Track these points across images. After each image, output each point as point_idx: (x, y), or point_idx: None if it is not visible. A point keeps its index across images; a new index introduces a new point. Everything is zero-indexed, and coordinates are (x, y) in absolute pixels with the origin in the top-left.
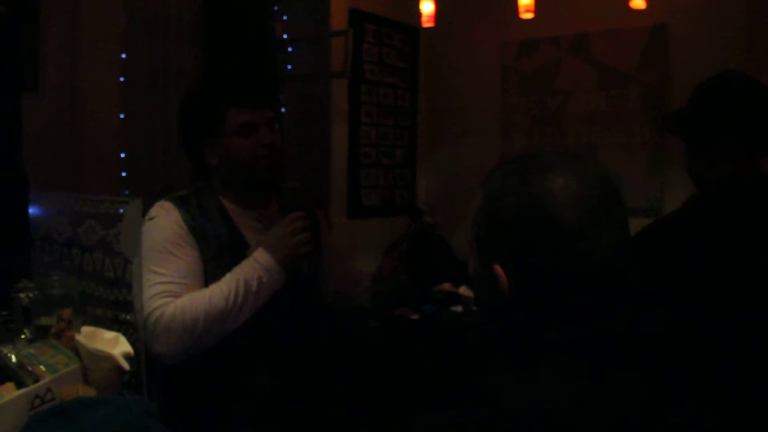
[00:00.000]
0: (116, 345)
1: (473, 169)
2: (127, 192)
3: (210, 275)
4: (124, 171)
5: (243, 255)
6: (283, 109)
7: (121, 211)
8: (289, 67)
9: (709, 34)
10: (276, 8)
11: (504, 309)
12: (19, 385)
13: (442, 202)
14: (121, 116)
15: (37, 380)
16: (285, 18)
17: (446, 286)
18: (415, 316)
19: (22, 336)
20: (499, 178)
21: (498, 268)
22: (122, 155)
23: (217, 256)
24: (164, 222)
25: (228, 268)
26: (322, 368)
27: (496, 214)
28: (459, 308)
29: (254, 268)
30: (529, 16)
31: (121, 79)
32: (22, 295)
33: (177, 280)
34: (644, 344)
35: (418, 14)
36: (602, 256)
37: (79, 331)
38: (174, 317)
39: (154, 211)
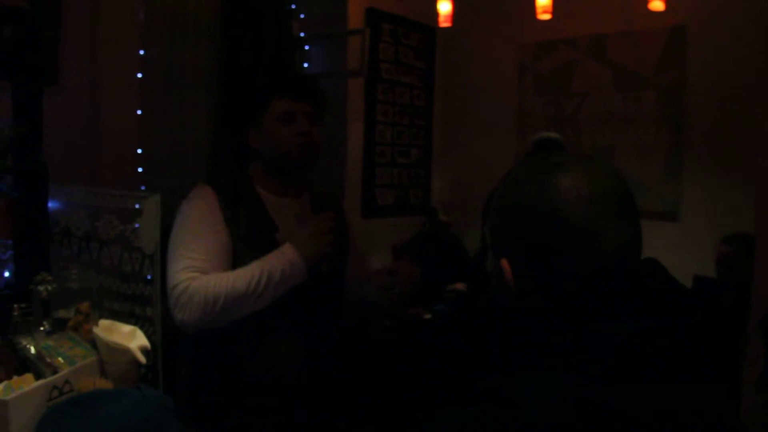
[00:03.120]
0: (133, 338)
1: (488, 170)
2: (143, 187)
3: (238, 256)
4: (140, 167)
5: (272, 238)
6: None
7: (138, 207)
8: (306, 65)
9: (728, 37)
10: (293, 6)
11: (511, 304)
12: (38, 376)
13: (456, 202)
14: (138, 112)
15: (55, 372)
16: (302, 16)
17: (459, 285)
18: (427, 316)
19: (41, 328)
20: (514, 175)
21: (504, 263)
22: (139, 151)
23: (246, 239)
24: (202, 203)
25: (255, 252)
26: (337, 352)
27: (506, 209)
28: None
29: (279, 260)
30: (546, 17)
31: (139, 75)
32: (41, 288)
33: (206, 257)
34: (644, 347)
35: (435, 14)
36: (609, 257)
37: (96, 324)
38: (198, 291)
39: (194, 192)
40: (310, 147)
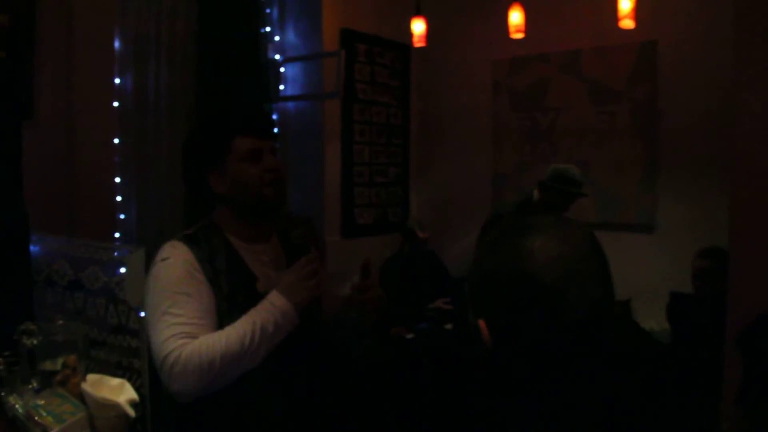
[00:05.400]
0: (122, 392)
1: (466, 185)
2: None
3: (224, 313)
4: (120, 197)
5: (253, 290)
6: (276, 129)
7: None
8: (282, 87)
9: (697, 51)
10: (268, 29)
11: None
12: None
13: (435, 219)
14: (116, 141)
15: (45, 431)
16: (277, 39)
17: (440, 303)
18: (410, 335)
19: (29, 386)
20: (491, 237)
21: (482, 323)
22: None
23: (229, 294)
24: (178, 262)
25: (240, 306)
26: (329, 391)
27: (483, 269)
28: (449, 326)
29: (270, 312)
30: (519, 36)
31: (116, 104)
32: (26, 341)
33: (193, 321)
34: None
35: (409, 33)
36: (579, 317)
37: (84, 378)
38: (191, 358)
39: (166, 251)
40: (281, 184)
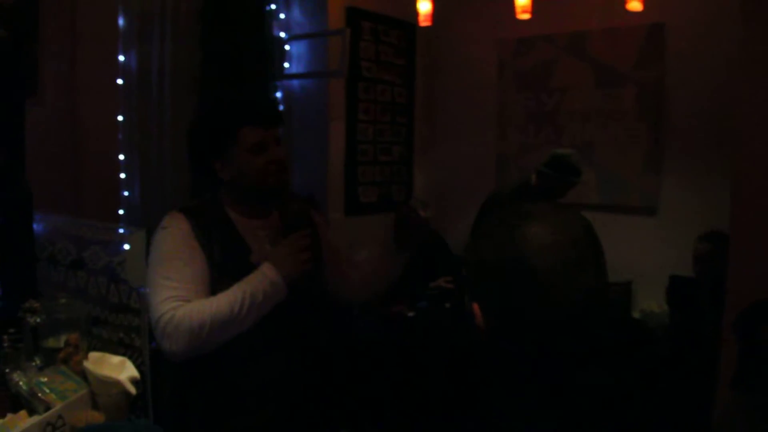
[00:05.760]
0: (123, 370)
1: (470, 165)
2: (127, 199)
3: (216, 281)
4: (123, 173)
5: (246, 262)
6: (280, 107)
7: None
8: (287, 65)
9: (705, 34)
10: (273, 7)
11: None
12: (31, 412)
13: (438, 197)
14: (120, 119)
15: (48, 408)
16: (282, 17)
17: (441, 281)
18: (410, 314)
19: (33, 363)
20: (488, 223)
21: (475, 307)
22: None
23: (221, 263)
24: (176, 231)
25: (232, 275)
26: (324, 361)
27: (478, 256)
28: (449, 305)
29: (260, 281)
30: (526, 16)
31: (120, 81)
32: (30, 320)
33: (186, 285)
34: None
35: (415, 12)
36: (571, 306)
37: (86, 355)
38: (182, 320)
39: (166, 221)
40: (284, 172)
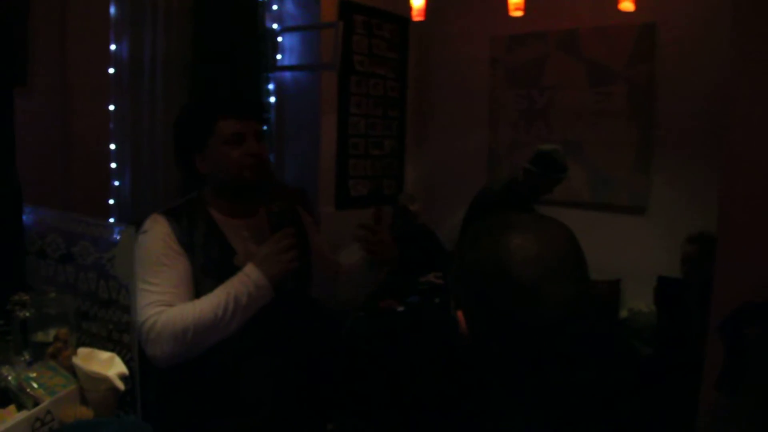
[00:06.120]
0: (111, 365)
1: (461, 160)
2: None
3: (200, 283)
4: (114, 164)
5: (230, 264)
6: (272, 99)
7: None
8: (279, 57)
9: (696, 35)
10: None
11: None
12: (20, 407)
13: (430, 192)
14: (111, 108)
15: (36, 403)
16: (275, 8)
17: (431, 277)
18: (400, 308)
19: (22, 359)
20: (474, 232)
21: (459, 314)
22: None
23: (205, 265)
24: (157, 235)
25: (216, 277)
26: (313, 362)
27: (462, 263)
28: (438, 300)
29: (244, 283)
30: (518, 14)
31: (111, 71)
32: (19, 313)
33: (169, 289)
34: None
35: (408, 5)
36: (553, 314)
37: (75, 351)
38: (165, 326)
39: (147, 224)
40: (262, 167)
